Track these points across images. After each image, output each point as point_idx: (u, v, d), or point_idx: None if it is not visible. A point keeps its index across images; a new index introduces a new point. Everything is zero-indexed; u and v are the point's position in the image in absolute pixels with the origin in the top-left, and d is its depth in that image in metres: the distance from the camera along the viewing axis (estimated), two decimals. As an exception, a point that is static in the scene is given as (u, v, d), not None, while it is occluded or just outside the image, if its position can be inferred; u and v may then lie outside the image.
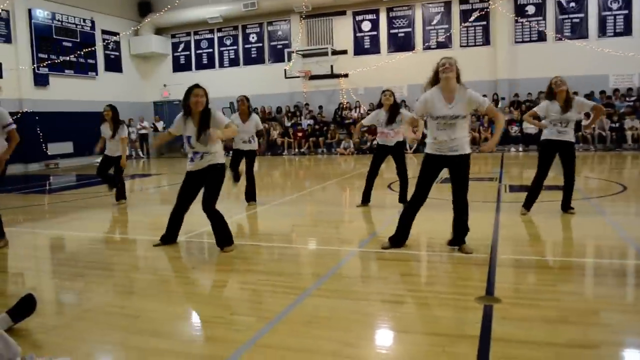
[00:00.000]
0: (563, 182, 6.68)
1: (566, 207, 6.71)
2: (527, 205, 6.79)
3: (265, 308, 3.75)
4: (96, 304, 3.96)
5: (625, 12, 18.50)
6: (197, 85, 5.34)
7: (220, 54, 23.83)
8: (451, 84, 4.81)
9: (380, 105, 7.71)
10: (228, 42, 23.66)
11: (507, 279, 4.28)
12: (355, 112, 20.76)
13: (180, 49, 24.59)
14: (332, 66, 20.78)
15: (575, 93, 18.68)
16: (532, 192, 6.77)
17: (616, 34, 18.53)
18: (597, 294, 3.98)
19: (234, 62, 23.57)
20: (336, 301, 3.82)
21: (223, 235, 5.45)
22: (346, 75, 20.92)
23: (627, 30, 18.46)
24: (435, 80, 4.91)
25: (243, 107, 8.03)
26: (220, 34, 23.75)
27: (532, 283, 4.21)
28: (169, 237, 5.79)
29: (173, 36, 24.57)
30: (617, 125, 17.10)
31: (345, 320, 3.42)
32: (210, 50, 24.00)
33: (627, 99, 18.05)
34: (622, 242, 5.46)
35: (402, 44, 20.87)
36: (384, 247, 5.26)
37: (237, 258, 5.21)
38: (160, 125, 23.26)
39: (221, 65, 23.74)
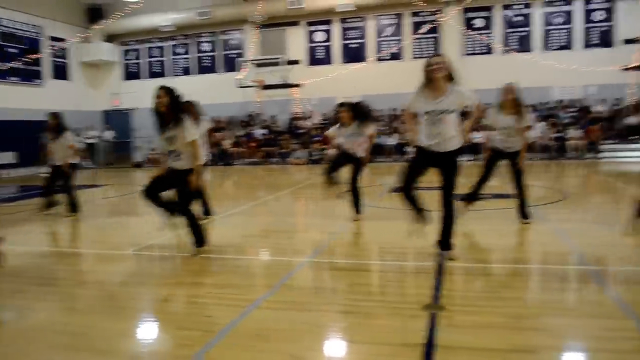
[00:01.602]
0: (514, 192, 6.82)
1: (523, 215, 6.79)
2: (470, 198, 6.91)
3: (212, 321, 3.69)
4: (37, 321, 3.81)
5: (568, 26, 19.33)
6: (160, 87, 5.46)
7: (173, 62, 23.53)
8: (440, 83, 4.78)
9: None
10: (181, 51, 23.39)
11: (454, 287, 4.36)
12: (309, 122, 20.85)
13: (131, 57, 24.15)
14: (285, 76, 20.82)
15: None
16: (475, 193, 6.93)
17: (559, 48, 19.34)
18: (540, 300, 4.10)
19: (186, 71, 23.31)
20: (285, 313, 3.80)
21: (195, 236, 5.54)
22: (299, 85, 21.01)
23: (569, 44, 19.30)
24: (425, 77, 4.85)
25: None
26: (172, 42, 23.47)
27: (477, 290, 4.31)
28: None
29: (124, 44, 24.11)
30: (560, 135, 17.78)
31: (294, 332, 3.41)
32: (163, 58, 23.67)
33: (570, 110, 18.83)
34: (565, 248, 5.66)
35: (355, 54, 21.14)
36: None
37: (187, 271, 5.13)
38: (109, 134, 22.72)
39: (174, 74, 23.43)
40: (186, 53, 23.35)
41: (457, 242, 5.18)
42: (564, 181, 12.62)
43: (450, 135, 4.83)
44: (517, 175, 6.64)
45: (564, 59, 18.78)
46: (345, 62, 21.23)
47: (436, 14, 20.21)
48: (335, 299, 4.14)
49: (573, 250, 5.49)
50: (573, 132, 17.74)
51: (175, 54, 23.52)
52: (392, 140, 19.01)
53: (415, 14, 20.59)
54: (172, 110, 5.38)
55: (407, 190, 5.05)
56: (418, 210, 5.10)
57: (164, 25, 22.33)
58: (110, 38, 23.80)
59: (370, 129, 7.11)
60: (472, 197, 6.92)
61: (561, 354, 3.12)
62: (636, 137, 17.29)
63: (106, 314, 3.97)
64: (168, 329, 3.59)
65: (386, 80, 20.03)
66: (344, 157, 7.21)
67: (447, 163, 4.89)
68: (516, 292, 4.24)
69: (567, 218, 7.51)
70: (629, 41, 18.51)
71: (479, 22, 20.10)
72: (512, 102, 6.45)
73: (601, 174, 13.55)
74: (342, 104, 7.24)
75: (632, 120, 17.73)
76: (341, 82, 20.47)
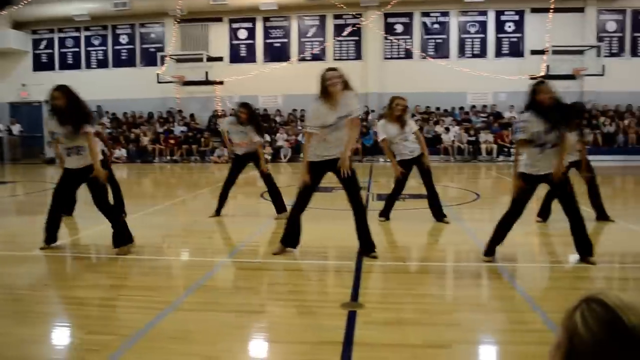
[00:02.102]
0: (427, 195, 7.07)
1: (439, 216, 7.05)
2: (385, 213, 7.13)
3: (125, 325, 3.54)
4: None
5: (482, 36, 20.32)
6: (55, 87, 5.30)
7: (87, 54, 22.47)
8: (337, 96, 4.89)
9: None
10: (96, 42, 22.39)
11: (371, 285, 4.45)
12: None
13: (42, 47, 22.78)
14: (207, 73, 20.45)
15: (437, 109, 20.17)
16: (390, 201, 7.14)
17: (474, 56, 20.28)
18: (452, 296, 4.27)
19: (102, 64, 22.33)
20: (202, 314, 3.72)
21: (118, 235, 5.41)
22: (221, 83, 20.71)
23: (483, 53, 20.30)
24: (323, 91, 4.90)
25: None
26: (87, 33, 22.40)
27: (393, 287, 4.42)
28: (50, 239, 5.62)
29: (34, 32, 22.71)
30: (474, 138, 18.65)
31: (211, 334, 3.35)
32: (76, 49, 22.53)
33: (482, 115, 19.80)
34: (476, 246, 5.92)
35: (278, 54, 21.13)
36: (276, 252, 5.28)
37: (101, 272, 4.91)
38: (16, 128, 21.32)
39: (88, 66, 22.38)
40: (102, 45, 22.37)
41: (375, 241, 5.29)
42: (477, 182, 13.23)
43: (343, 140, 5.01)
44: (427, 177, 6.90)
45: (477, 66, 19.71)
46: (267, 61, 21.16)
47: (358, 17, 20.58)
48: (254, 299, 4.10)
49: (482, 248, 5.75)
50: (485, 136, 18.66)
51: (90, 45, 22.46)
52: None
53: (337, 17, 20.87)
54: (71, 107, 5.23)
55: (298, 212, 5.22)
56: (291, 236, 5.28)
57: (77, 14, 21.22)
58: (19, 25, 22.32)
59: (257, 138, 7.42)
60: (387, 211, 7.17)
61: (473, 347, 3.26)
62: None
63: (12, 319, 3.71)
64: (78, 334, 3.41)
65: (308, 80, 20.09)
66: (244, 158, 7.51)
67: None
68: (431, 289, 4.40)
69: (479, 218, 7.87)
70: (535, 52, 19.72)
71: (399, 28, 20.68)
72: (400, 111, 6.71)
73: (511, 176, 14.29)
74: (242, 105, 7.51)
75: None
76: (263, 81, 20.40)
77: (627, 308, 0.93)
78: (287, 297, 4.22)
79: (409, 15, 20.62)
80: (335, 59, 20.73)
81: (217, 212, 7.61)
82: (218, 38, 21.53)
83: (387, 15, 20.54)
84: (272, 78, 20.43)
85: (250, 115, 7.45)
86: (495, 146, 18.45)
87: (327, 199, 9.02)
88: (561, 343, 0.98)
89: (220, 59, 21.03)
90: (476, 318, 3.70)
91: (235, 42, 21.51)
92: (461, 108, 20.01)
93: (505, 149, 18.38)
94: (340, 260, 5.23)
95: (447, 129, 18.85)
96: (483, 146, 18.48)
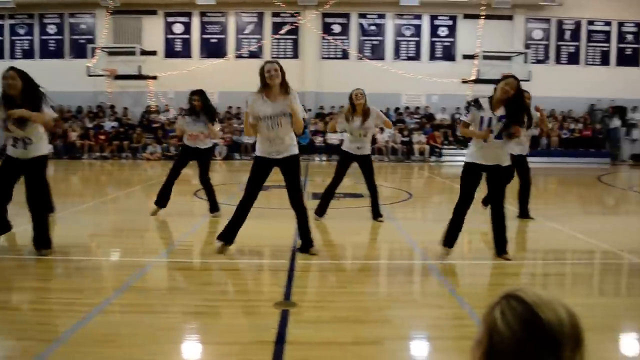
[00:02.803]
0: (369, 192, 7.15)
1: (376, 215, 7.15)
2: (320, 211, 7.16)
3: (48, 329, 3.39)
4: None
5: (417, 39, 20.83)
6: (10, 68, 5.11)
7: (12, 43, 21.24)
8: (275, 89, 4.95)
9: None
10: (21, 31, 21.22)
11: (305, 284, 4.48)
12: (164, 115, 20.10)
13: (-41, 34, 21.41)
14: (140, 67, 19.90)
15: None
16: (325, 198, 7.19)
17: (409, 58, 20.77)
18: (385, 293, 4.37)
19: (28, 54, 21.18)
20: (132, 316, 3.62)
21: (41, 236, 5.09)
22: (155, 78, 20.19)
23: (417, 56, 20.83)
24: (262, 83, 4.97)
25: None
26: (12, 21, 21.19)
27: (327, 286, 4.47)
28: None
29: (-50, 18, 21.34)
30: (407, 139, 19.10)
31: (140, 336, 3.26)
32: (0, 38, 21.32)
33: (416, 116, 20.31)
34: (409, 244, 6.08)
35: (214, 50, 20.81)
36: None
37: (25, 274, 4.66)
38: None
39: (12, 57, 21.15)
40: (28, 34, 21.23)
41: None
42: (410, 182, 13.55)
43: (287, 139, 5.08)
44: (369, 175, 7.00)
45: (411, 68, 20.19)
46: (204, 57, 20.79)
47: (296, 16, 20.59)
48: (186, 299, 4.03)
49: (416, 246, 5.92)
50: (418, 137, 19.15)
51: (15, 34, 21.26)
52: (248, 138, 18.99)
53: (276, 15, 20.80)
54: (26, 93, 4.95)
55: (247, 205, 5.18)
56: (232, 230, 5.21)
57: (1, 0, 20.07)
58: None
59: (217, 127, 7.32)
60: (322, 209, 7.19)
61: (403, 343, 3.35)
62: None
63: None
64: (-4, 339, 3.24)
65: (245, 78, 19.87)
66: (189, 154, 7.31)
67: (288, 167, 5.13)
68: (364, 286, 4.48)
69: (411, 216, 8.07)
70: (467, 56, 20.46)
71: (336, 28, 20.86)
72: (361, 106, 6.80)
73: (442, 176, 14.75)
74: (195, 92, 7.28)
75: (468, 128, 19.72)
76: (199, 77, 19.90)
77: (544, 304, 0.96)
78: (219, 297, 4.17)
79: (347, 16, 20.84)
80: (273, 57, 20.65)
81: (160, 204, 7.31)
82: (152, 31, 20.93)
83: (325, 15, 20.68)
84: (208, 74, 20.03)
85: (205, 103, 7.23)
86: (427, 147, 18.97)
87: (263, 197, 8.98)
88: (482, 339, 1.01)
89: (154, 53, 20.50)
90: (407, 314, 3.80)
91: (170, 36, 21.00)
92: (396, 109, 20.43)
93: (437, 150, 18.94)
94: (275, 259, 5.23)
95: (382, 129, 19.16)
96: (416, 147, 18.95)
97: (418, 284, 4.75)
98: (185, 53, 20.89)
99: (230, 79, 19.57)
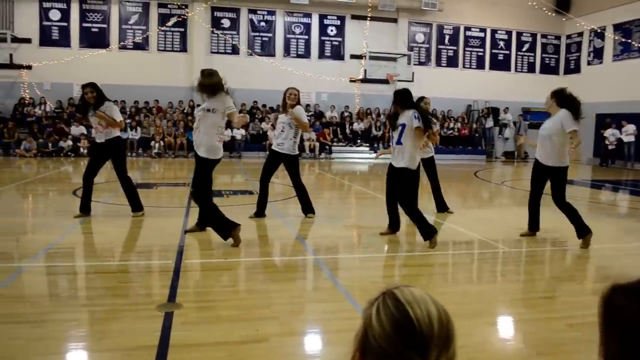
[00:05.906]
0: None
1: (307, 211, 7.26)
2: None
3: None
4: None
5: (306, 37, 21.07)
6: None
7: None
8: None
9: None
10: None
11: (190, 284, 4.38)
12: (40, 108, 18.68)
13: None
14: (11, 55, 18.32)
15: (264, 106, 20.49)
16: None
17: (298, 56, 20.97)
18: (271, 290, 4.37)
19: None
20: (1, 327, 3.33)
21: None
22: (29, 67, 18.70)
23: (307, 54, 21.08)
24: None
25: None
26: None
27: (213, 285, 4.40)
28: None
29: None
30: (298, 136, 19.31)
31: (7, 348, 3.01)
32: None
33: (306, 114, 20.53)
34: (297, 241, 6.14)
35: (95, 40, 19.61)
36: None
37: None
38: None
39: None
40: None
41: (195, 239, 5.21)
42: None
43: (201, 140, 5.51)
44: (294, 173, 7.16)
45: (301, 66, 20.39)
46: (84, 47, 19.53)
47: (183, 8, 20.02)
48: (61, 306, 3.77)
49: (301, 242, 6.00)
50: (308, 134, 19.39)
51: None
52: (135, 134, 18.23)
53: (162, 6, 20.05)
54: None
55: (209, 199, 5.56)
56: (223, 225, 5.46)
57: None
58: None
59: (119, 117, 6.92)
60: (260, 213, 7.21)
61: (290, 339, 3.38)
62: (361, 141, 19.87)
63: None
64: None
65: (130, 70, 19.14)
66: (103, 150, 6.91)
67: (197, 164, 5.55)
68: (251, 284, 4.47)
69: (301, 213, 8.14)
70: (355, 56, 21.05)
71: (226, 23, 20.54)
72: (294, 100, 7.30)
73: (332, 173, 15.07)
74: (88, 85, 6.92)
75: (358, 126, 20.37)
76: (79, 68, 18.73)
77: (416, 303, 1.00)
78: (99, 301, 3.95)
79: (236, 11, 20.59)
80: (159, 50, 19.97)
81: (85, 210, 6.85)
82: (26, 17, 19.27)
83: (214, 9, 20.29)
84: (89, 65, 18.83)
85: (99, 95, 6.86)
86: (317, 144, 19.28)
87: (151, 195, 8.67)
88: (359, 334, 1.04)
89: (28, 40, 18.95)
90: (294, 310, 3.84)
91: (46, 23, 19.49)
92: (287, 106, 20.56)
93: (327, 147, 19.33)
94: (159, 259, 5.06)
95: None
96: (306, 144, 19.19)
97: (306, 279, 4.82)
98: (64, 42, 19.48)
99: (113, 71, 18.62)
